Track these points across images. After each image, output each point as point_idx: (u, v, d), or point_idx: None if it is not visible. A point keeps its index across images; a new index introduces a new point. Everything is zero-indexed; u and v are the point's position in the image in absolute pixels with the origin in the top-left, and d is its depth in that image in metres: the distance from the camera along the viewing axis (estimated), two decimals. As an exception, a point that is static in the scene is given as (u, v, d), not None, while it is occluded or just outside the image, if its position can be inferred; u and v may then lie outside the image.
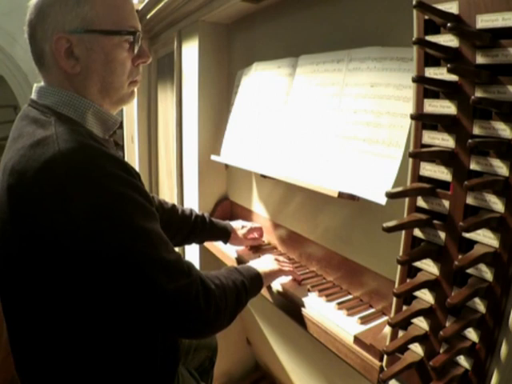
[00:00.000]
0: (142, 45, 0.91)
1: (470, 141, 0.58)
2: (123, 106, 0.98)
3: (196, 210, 1.58)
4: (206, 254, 1.73)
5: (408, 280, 0.73)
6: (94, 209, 0.71)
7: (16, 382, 0.89)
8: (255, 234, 1.48)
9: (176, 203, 1.98)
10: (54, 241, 0.71)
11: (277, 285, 1.17)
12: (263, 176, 1.33)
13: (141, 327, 0.86)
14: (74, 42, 0.80)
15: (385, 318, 1.00)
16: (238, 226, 1.45)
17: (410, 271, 0.74)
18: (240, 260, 1.39)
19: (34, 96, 0.86)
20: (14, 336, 0.86)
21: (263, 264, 1.12)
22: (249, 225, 1.47)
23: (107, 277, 0.74)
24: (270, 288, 1.18)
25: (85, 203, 0.70)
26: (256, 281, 1.04)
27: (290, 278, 1.19)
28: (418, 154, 0.68)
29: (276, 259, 1.19)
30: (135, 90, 0.94)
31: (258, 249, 1.45)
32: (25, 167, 0.71)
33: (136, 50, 0.89)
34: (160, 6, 1.71)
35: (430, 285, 0.69)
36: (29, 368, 0.85)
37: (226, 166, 1.74)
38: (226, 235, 1.41)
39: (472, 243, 0.63)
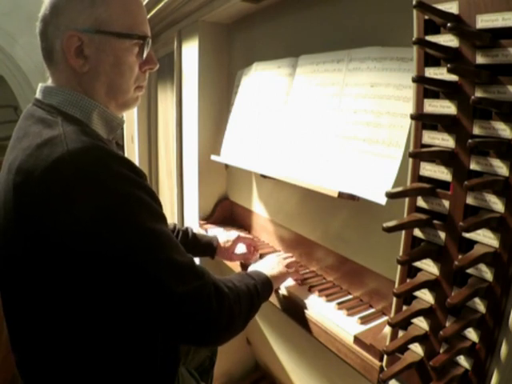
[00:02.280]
0: (151, 51, 0.91)
1: (470, 141, 0.58)
2: (126, 111, 0.98)
3: (196, 209, 1.57)
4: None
5: (408, 280, 0.73)
6: (100, 210, 0.70)
7: (16, 381, 0.89)
8: (243, 249, 1.37)
9: (176, 203, 1.99)
10: (60, 241, 0.71)
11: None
12: (263, 176, 1.33)
13: (143, 328, 0.85)
14: (85, 40, 0.81)
15: (385, 318, 1.00)
16: (225, 239, 1.35)
17: (410, 271, 0.74)
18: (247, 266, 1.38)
19: (38, 95, 0.86)
20: (15, 335, 0.86)
21: (270, 267, 1.11)
22: (235, 235, 1.36)
23: (113, 278, 0.74)
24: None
25: (91, 204, 0.69)
26: (267, 285, 1.03)
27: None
28: (418, 153, 0.68)
29: (281, 259, 1.18)
30: (140, 95, 0.95)
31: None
32: (32, 166, 0.71)
33: (144, 56, 0.89)
34: (160, 5, 1.71)
35: (430, 285, 0.69)
36: (30, 367, 0.85)
37: (226, 165, 1.74)
38: (210, 250, 1.33)
39: (472, 243, 0.63)
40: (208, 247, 1.33)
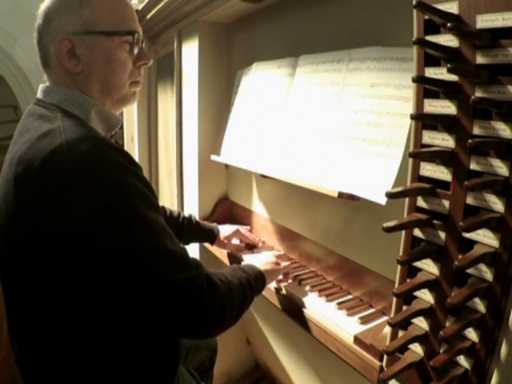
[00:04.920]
0: (143, 47, 0.93)
1: (469, 141, 0.58)
2: (125, 107, 0.99)
3: (196, 209, 1.57)
4: (205, 254, 1.73)
5: (408, 280, 0.73)
6: (98, 198, 0.71)
7: (16, 381, 0.89)
8: (237, 241, 1.47)
9: (176, 203, 1.99)
10: (58, 235, 0.72)
11: (277, 284, 1.17)
12: (263, 176, 1.33)
13: (143, 325, 0.86)
14: (76, 42, 0.84)
15: (385, 318, 1.00)
16: (225, 228, 1.46)
17: (410, 271, 0.74)
18: (234, 257, 1.40)
19: (39, 95, 0.89)
20: (16, 333, 0.86)
21: (263, 262, 1.12)
22: (234, 228, 1.46)
23: (111, 270, 0.74)
24: (269, 288, 1.18)
25: (89, 193, 0.71)
26: (260, 279, 1.04)
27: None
28: (418, 153, 0.68)
29: (274, 256, 1.19)
30: (137, 90, 0.96)
31: (253, 247, 1.46)
32: (32, 157, 0.73)
33: (136, 52, 0.91)
34: (160, 6, 1.71)
35: (430, 285, 0.69)
36: (30, 365, 0.86)
37: (226, 165, 1.74)
38: (211, 237, 1.44)
39: (472, 243, 0.63)
40: (210, 233, 1.44)
